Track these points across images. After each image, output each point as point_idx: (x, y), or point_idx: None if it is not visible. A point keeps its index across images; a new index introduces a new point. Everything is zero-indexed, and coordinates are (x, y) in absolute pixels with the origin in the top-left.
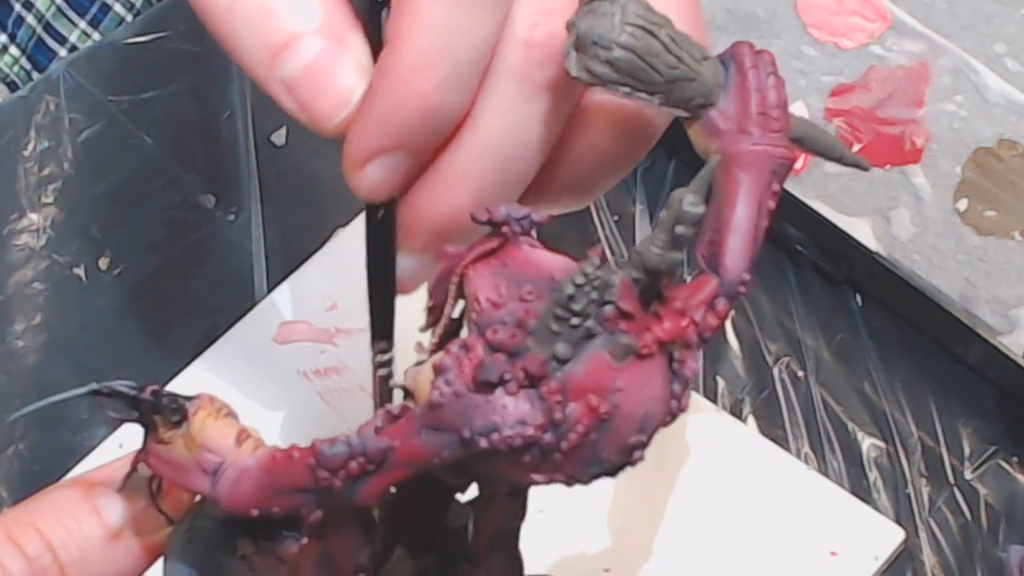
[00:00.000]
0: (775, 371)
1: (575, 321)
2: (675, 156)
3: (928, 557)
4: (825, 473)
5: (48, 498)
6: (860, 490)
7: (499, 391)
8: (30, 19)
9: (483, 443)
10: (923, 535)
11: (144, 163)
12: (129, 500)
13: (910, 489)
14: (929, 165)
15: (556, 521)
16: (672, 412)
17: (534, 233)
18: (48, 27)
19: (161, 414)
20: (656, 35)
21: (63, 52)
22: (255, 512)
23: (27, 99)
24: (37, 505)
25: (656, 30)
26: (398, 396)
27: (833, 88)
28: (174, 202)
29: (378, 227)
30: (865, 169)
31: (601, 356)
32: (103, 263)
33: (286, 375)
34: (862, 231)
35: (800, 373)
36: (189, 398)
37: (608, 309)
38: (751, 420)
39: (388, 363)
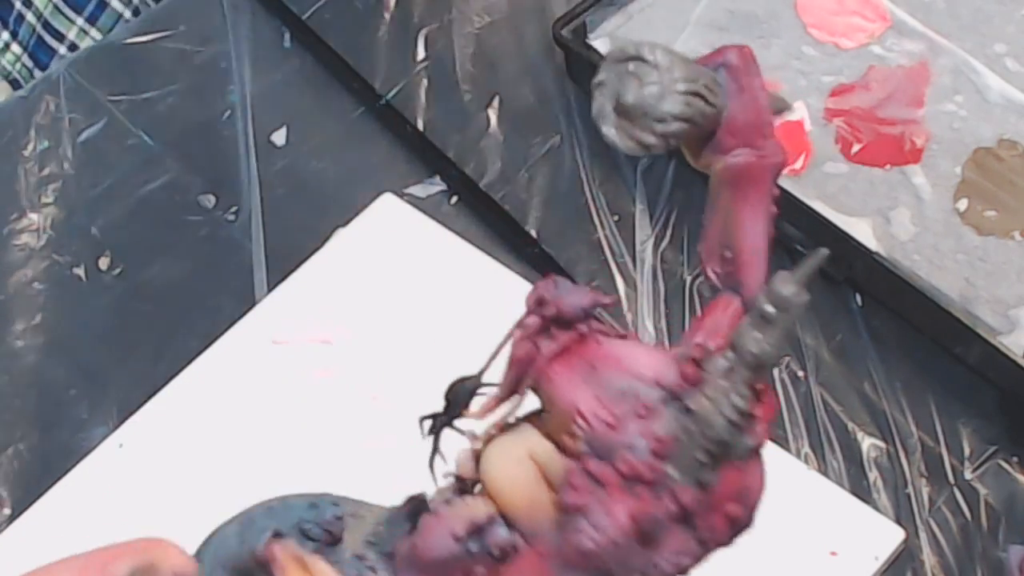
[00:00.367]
0: (775, 371)
1: (724, 450)
2: (675, 156)
3: (928, 557)
4: (825, 473)
5: None
6: (860, 490)
7: None
8: (30, 17)
9: None
10: (923, 535)
11: (144, 163)
12: None
13: (910, 489)
14: (929, 165)
15: None
16: None
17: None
18: (47, 25)
19: None
20: (700, 93)
21: (62, 49)
22: None
23: (27, 99)
24: None
25: (698, 87)
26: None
27: (833, 88)
28: (174, 202)
29: None
30: (788, 108)
31: (732, 465)
32: (103, 263)
33: (286, 375)
34: (862, 231)
35: (800, 373)
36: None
37: (740, 417)
38: None
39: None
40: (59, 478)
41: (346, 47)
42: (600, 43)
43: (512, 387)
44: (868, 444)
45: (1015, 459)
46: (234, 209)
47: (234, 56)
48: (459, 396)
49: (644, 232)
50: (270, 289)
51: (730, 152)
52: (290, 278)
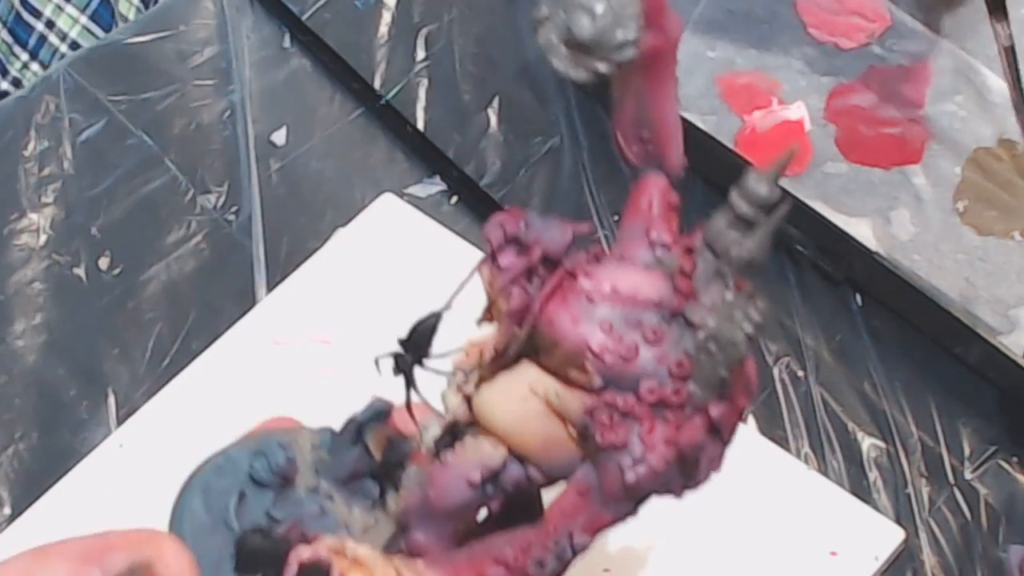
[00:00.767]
0: (775, 371)
1: (742, 362)
2: None
3: (928, 557)
4: (825, 473)
5: (46, 569)
6: (860, 490)
7: None
8: None
9: (679, 493)
10: (923, 535)
11: (144, 163)
12: None
13: (910, 489)
14: (929, 165)
15: None
16: None
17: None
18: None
19: None
20: (640, 9)
21: (40, 26)
22: None
23: (27, 99)
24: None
25: (640, 3)
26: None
27: (833, 88)
28: (174, 202)
29: None
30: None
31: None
32: (103, 263)
33: (286, 375)
34: (862, 231)
35: (800, 373)
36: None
37: (757, 331)
38: (751, 420)
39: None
40: (59, 478)
41: (346, 47)
42: None
43: (510, 336)
44: (868, 444)
45: (1015, 459)
46: (234, 209)
47: (234, 56)
48: (423, 336)
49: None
50: (270, 289)
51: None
52: (290, 278)
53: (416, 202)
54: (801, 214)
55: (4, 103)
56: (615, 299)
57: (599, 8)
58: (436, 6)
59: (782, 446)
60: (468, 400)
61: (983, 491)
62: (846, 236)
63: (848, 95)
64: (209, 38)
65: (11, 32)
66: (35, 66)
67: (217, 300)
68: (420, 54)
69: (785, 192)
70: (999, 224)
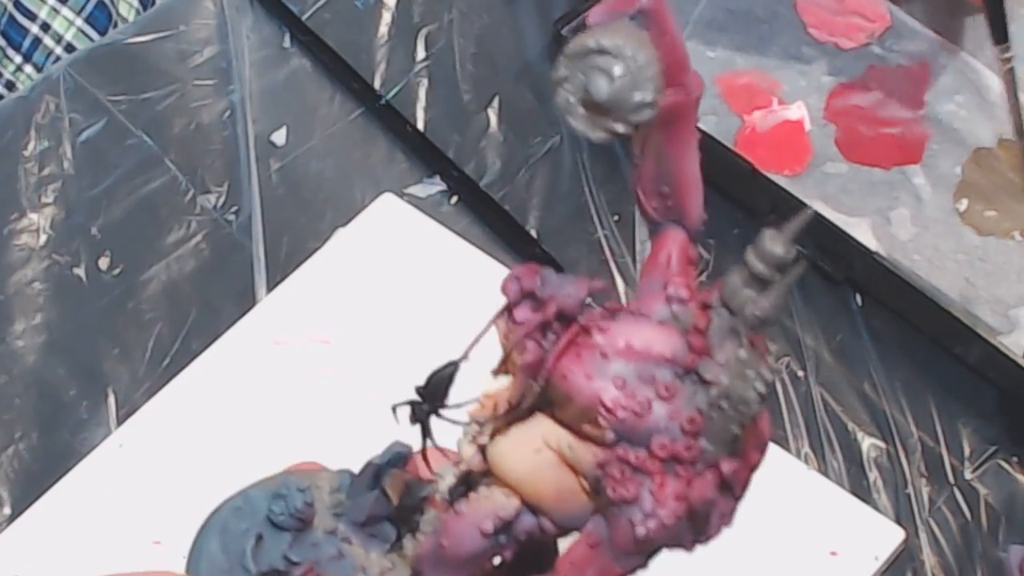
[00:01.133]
0: None
1: (754, 420)
2: None
3: (928, 557)
4: (825, 473)
5: None
6: (860, 490)
7: None
8: None
9: (690, 547)
10: (923, 535)
11: (144, 163)
12: None
13: (910, 489)
14: (929, 165)
15: None
16: None
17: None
18: (18, 4)
19: None
20: (662, 71)
21: (35, 29)
22: None
23: (27, 99)
24: None
25: (659, 66)
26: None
27: (833, 88)
28: (174, 202)
29: None
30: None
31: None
32: (103, 263)
33: (286, 375)
34: (862, 231)
35: (800, 373)
36: None
37: (769, 389)
38: None
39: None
40: (59, 478)
41: (346, 47)
42: None
43: (524, 389)
44: (868, 444)
45: (1015, 459)
46: (234, 209)
47: (234, 56)
48: (439, 385)
49: (644, 232)
50: (270, 289)
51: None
52: (290, 278)
53: (416, 202)
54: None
55: (4, 103)
56: (629, 355)
57: (617, 70)
58: (436, 6)
59: (782, 446)
60: (483, 450)
61: (983, 491)
62: (846, 236)
63: (848, 95)
64: (209, 38)
65: (4, 35)
66: (29, 68)
67: (217, 300)
68: (420, 54)
69: (785, 193)
70: (999, 224)
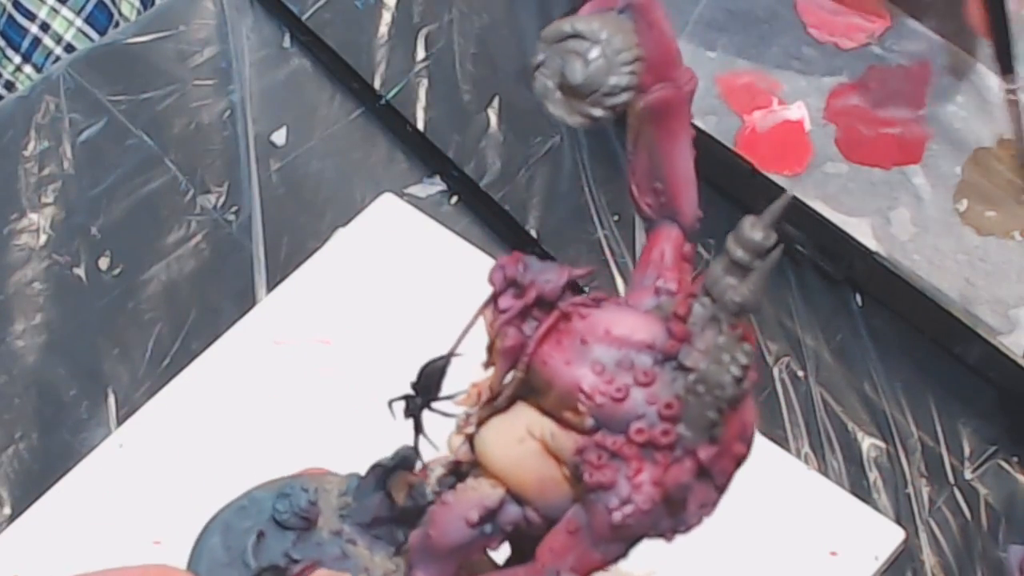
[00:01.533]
0: (775, 371)
1: (732, 404)
2: None
3: (928, 557)
4: (825, 473)
5: None
6: (860, 490)
7: None
8: None
9: (670, 536)
10: (923, 535)
11: (144, 163)
12: None
13: (910, 489)
14: (929, 165)
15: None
16: None
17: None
18: (17, 4)
19: None
20: (640, 57)
21: (34, 29)
22: None
23: (27, 99)
24: None
25: (639, 52)
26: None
27: (833, 88)
28: (174, 202)
29: None
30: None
31: (734, 409)
32: (103, 263)
33: (286, 375)
34: (862, 231)
35: (800, 373)
36: None
37: (745, 373)
38: None
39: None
40: (59, 478)
41: (346, 47)
42: None
43: (504, 375)
44: (868, 444)
45: (1015, 459)
46: (234, 209)
47: (234, 56)
48: (431, 378)
49: (644, 232)
50: (270, 289)
51: (649, 89)
52: (290, 278)
53: (416, 202)
54: (801, 214)
55: (4, 103)
56: (608, 341)
57: (592, 53)
58: (436, 6)
59: (782, 446)
60: (470, 441)
61: (983, 491)
62: (846, 236)
63: (848, 95)
64: (209, 38)
65: (3, 35)
66: (28, 69)
67: (217, 300)
68: (420, 54)
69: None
70: (999, 224)
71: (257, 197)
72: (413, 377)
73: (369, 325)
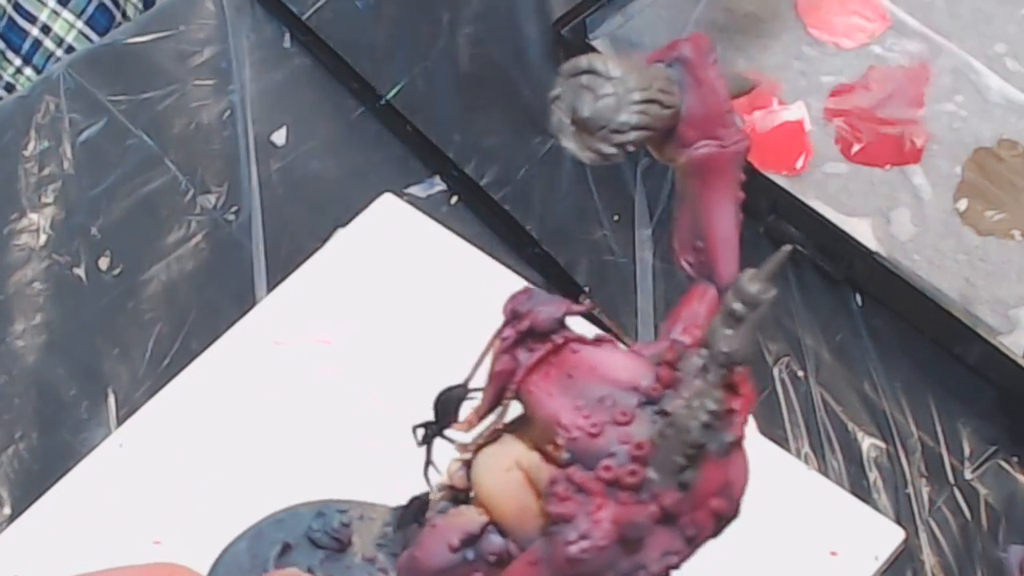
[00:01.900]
0: (775, 371)
1: (698, 451)
2: None
3: (928, 557)
4: (825, 473)
5: None
6: (860, 490)
7: None
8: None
9: None
10: (923, 535)
11: (144, 163)
12: None
13: (910, 489)
14: (929, 165)
15: None
16: None
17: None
18: (17, 6)
19: None
20: (655, 99)
21: (35, 31)
22: None
23: (27, 99)
24: None
25: (653, 93)
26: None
27: (833, 88)
28: (174, 202)
29: None
30: (755, 86)
31: (713, 461)
32: (103, 263)
33: (286, 375)
34: (862, 231)
35: (800, 373)
36: None
37: (720, 423)
38: (751, 420)
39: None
40: (59, 478)
41: (346, 47)
42: (600, 43)
43: (494, 401)
44: (868, 444)
45: (1015, 459)
46: (234, 209)
47: (234, 56)
48: (447, 405)
49: (644, 232)
50: (270, 289)
51: (692, 145)
52: (290, 278)
53: (416, 202)
54: (801, 214)
55: (4, 103)
56: (594, 378)
57: (604, 89)
58: (436, 6)
59: (782, 446)
60: (468, 467)
61: (983, 491)
62: (846, 236)
63: (848, 95)
64: (209, 38)
65: (3, 38)
66: (29, 71)
67: (217, 300)
68: (420, 54)
69: (785, 193)
70: (999, 224)
71: (257, 197)
72: (431, 405)
73: (369, 325)
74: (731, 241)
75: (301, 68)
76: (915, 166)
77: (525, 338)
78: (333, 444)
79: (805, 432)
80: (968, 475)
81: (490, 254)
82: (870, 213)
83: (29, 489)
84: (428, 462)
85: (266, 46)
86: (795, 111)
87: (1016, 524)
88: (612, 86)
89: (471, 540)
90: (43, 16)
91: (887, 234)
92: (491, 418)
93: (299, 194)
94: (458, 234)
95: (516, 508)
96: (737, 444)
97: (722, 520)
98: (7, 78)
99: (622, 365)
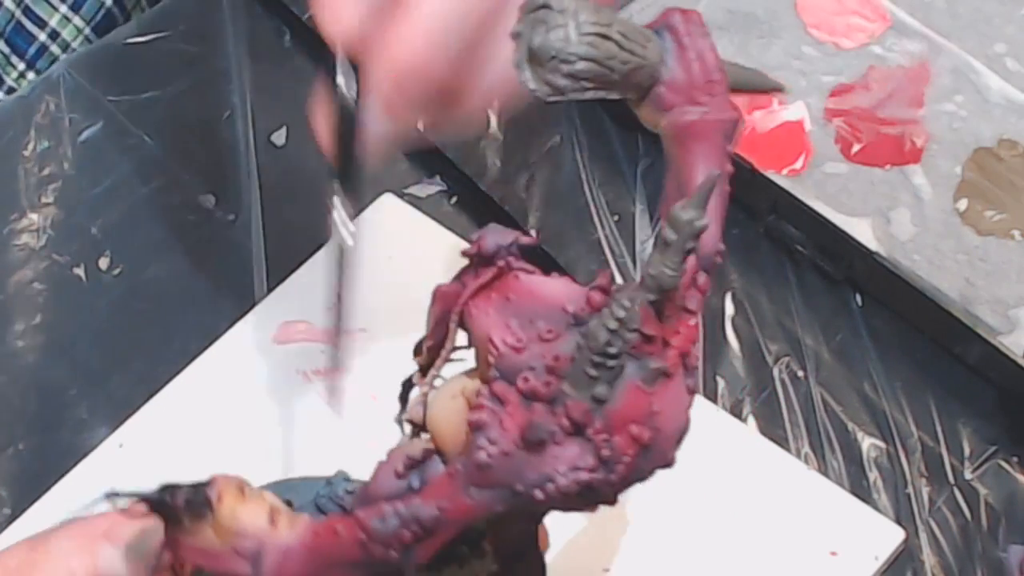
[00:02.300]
0: (775, 371)
1: (611, 363)
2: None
3: (928, 557)
4: (825, 473)
5: (48, 547)
6: (860, 490)
7: (548, 443)
8: (8, 3)
9: (539, 495)
10: (923, 535)
11: (144, 163)
12: (138, 567)
13: (910, 489)
14: (929, 165)
15: (556, 521)
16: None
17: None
18: (27, 11)
19: (186, 510)
20: (610, 36)
21: (42, 36)
22: None
23: (27, 99)
24: (35, 554)
25: (609, 31)
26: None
27: (833, 88)
28: (174, 202)
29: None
30: (782, 90)
31: (635, 385)
32: (103, 263)
33: (286, 375)
34: (862, 231)
35: (800, 373)
36: (207, 483)
37: (634, 337)
38: (751, 420)
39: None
40: (59, 478)
41: None
42: None
43: (438, 323)
44: (868, 444)
45: (1015, 459)
46: (234, 209)
47: (234, 56)
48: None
49: (644, 232)
50: (270, 289)
51: (673, 109)
52: (290, 278)
53: (416, 202)
54: (801, 214)
55: (4, 103)
56: (530, 300)
57: (556, 21)
58: None
59: (782, 446)
60: (425, 402)
61: (983, 491)
62: (846, 236)
63: (848, 95)
64: (209, 38)
65: (8, 42)
66: (31, 75)
67: (217, 300)
68: None
69: (785, 192)
70: (999, 224)
71: (257, 197)
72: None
73: (369, 325)
74: (712, 207)
75: (301, 68)
76: (915, 166)
77: (475, 265)
78: (333, 444)
79: (805, 432)
80: (968, 475)
81: None
82: (870, 213)
83: (29, 489)
84: (403, 409)
85: (266, 46)
86: (795, 111)
87: (1016, 524)
88: (563, 18)
89: (413, 464)
90: (53, 21)
91: (887, 234)
92: (444, 353)
93: (299, 194)
94: (458, 234)
95: (453, 432)
96: (666, 375)
97: (647, 454)
98: (9, 82)
99: (559, 290)
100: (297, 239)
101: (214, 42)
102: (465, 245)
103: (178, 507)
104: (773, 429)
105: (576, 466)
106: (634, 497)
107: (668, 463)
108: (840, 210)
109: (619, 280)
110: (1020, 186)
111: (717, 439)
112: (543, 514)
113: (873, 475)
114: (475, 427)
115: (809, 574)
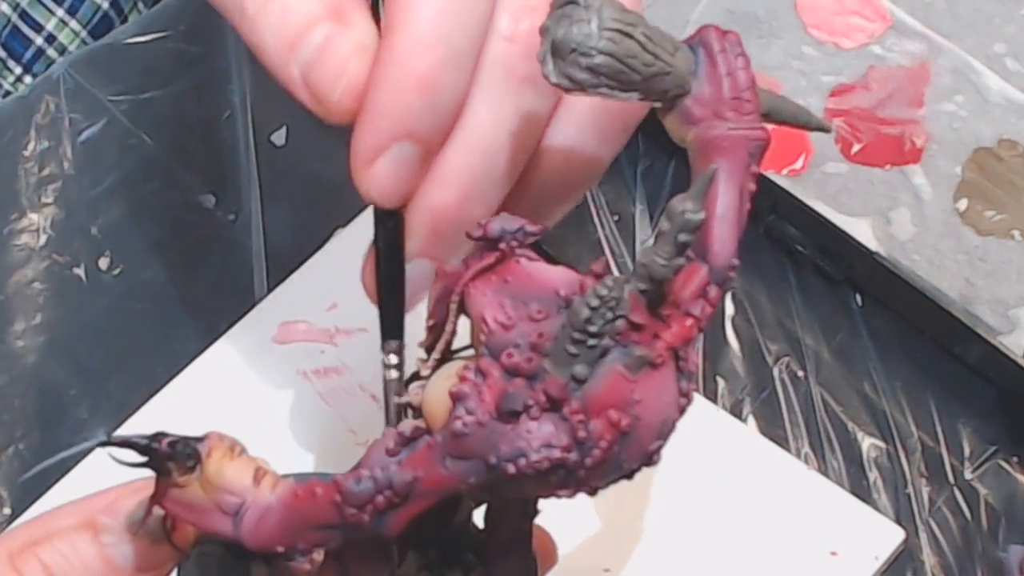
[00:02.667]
0: (775, 371)
1: (592, 342)
2: (675, 156)
3: (928, 557)
4: (825, 473)
5: (50, 525)
6: (860, 490)
7: (523, 417)
8: (5, 7)
9: (511, 469)
10: (923, 535)
11: (144, 163)
12: (138, 538)
13: (910, 489)
14: (929, 165)
15: (556, 521)
16: (682, 408)
17: (531, 245)
18: (24, 14)
19: (175, 461)
20: (633, 36)
21: (39, 40)
22: (280, 549)
23: (27, 99)
24: (38, 533)
25: (632, 31)
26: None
27: (833, 88)
28: (174, 202)
29: (388, 232)
30: (828, 131)
31: (617, 371)
32: (103, 263)
33: (286, 375)
34: (862, 231)
35: (800, 373)
36: (200, 439)
37: (620, 324)
38: (751, 420)
39: (399, 366)
40: (59, 478)
41: None
42: None
43: (439, 301)
44: (868, 444)
45: (1015, 459)
46: (234, 209)
47: (234, 56)
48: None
49: (644, 232)
50: (270, 289)
51: (699, 123)
52: (290, 278)
53: None
54: (801, 214)
55: (4, 103)
56: (526, 283)
57: (580, 15)
58: None
59: (782, 446)
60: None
61: (983, 491)
62: (846, 236)
63: (848, 95)
64: (209, 38)
65: (5, 46)
66: (28, 79)
67: (217, 300)
68: None
69: (785, 193)
70: (999, 224)
71: (257, 197)
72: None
73: (370, 325)
74: (728, 220)
75: None
76: (915, 166)
77: (479, 249)
78: (333, 444)
79: (805, 432)
80: (968, 475)
81: None
82: (870, 213)
83: (29, 489)
84: (398, 394)
85: None
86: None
87: (1016, 524)
88: (588, 13)
89: (404, 442)
90: (50, 25)
91: (887, 234)
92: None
93: (299, 194)
94: None
95: (443, 411)
96: (652, 365)
97: (626, 444)
98: (6, 86)
99: (556, 276)
100: (297, 239)
101: (214, 42)
102: None
103: (165, 453)
104: (773, 429)
105: (550, 443)
106: (634, 497)
107: (649, 457)
108: (840, 210)
109: None
110: (1020, 186)
111: (717, 439)
112: (533, 510)
113: (873, 475)
114: (455, 398)
115: (809, 574)
